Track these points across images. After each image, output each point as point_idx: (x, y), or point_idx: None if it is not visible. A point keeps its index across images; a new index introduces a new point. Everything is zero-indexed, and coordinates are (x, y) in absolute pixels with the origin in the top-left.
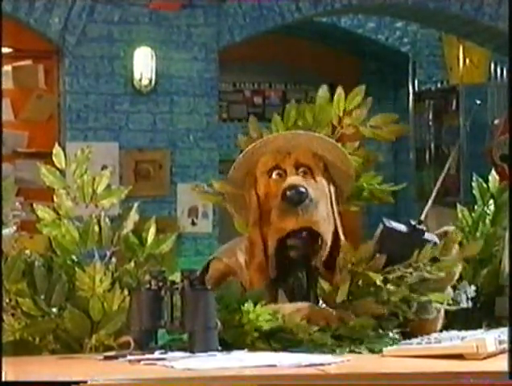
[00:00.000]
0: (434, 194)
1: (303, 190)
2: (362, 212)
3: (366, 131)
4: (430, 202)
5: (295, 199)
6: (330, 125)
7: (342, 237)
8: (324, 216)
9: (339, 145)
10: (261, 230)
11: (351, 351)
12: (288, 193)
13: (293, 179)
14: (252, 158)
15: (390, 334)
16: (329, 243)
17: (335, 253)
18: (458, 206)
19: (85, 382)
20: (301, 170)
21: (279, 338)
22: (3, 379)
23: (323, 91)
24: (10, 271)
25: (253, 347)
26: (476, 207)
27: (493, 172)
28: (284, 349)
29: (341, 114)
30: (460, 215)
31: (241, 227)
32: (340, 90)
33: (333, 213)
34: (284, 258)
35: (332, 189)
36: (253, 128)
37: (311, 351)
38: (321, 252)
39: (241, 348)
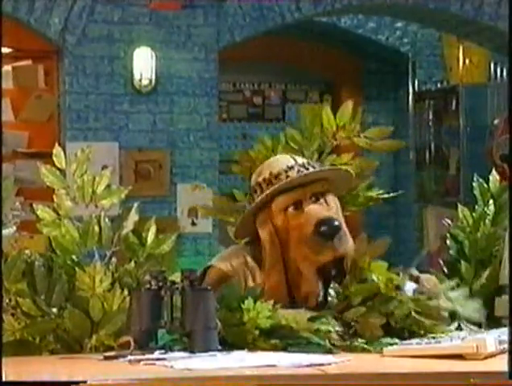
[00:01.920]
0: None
1: (336, 223)
2: (362, 212)
3: (361, 142)
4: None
5: (330, 234)
6: (319, 138)
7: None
8: (350, 239)
9: (349, 169)
10: (279, 257)
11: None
12: (322, 228)
13: (318, 211)
14: (265, 199)
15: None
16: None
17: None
18: (459, 206)
19: (85, 382)
20: (316, 197)
21: (280, 336)
22: (3, 380)
23: (304, 110)
24: (10, 271)
25: (253, 346)
26: (476, 207)
27: (494, 172)
28: (285, 347)
29: (334, 129)
30: (461, 215)
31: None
32: (326, 108)
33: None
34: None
35: (338, 202)
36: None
37: (312, 348)
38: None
39: (241, 347)
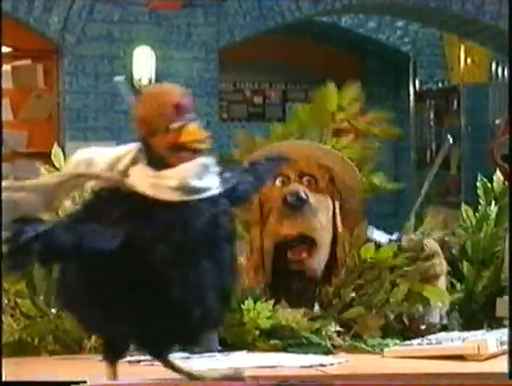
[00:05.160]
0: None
1: (303, 196)
2: (362, 212)
3: (360, 125)
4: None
5: (295, 205)
6: (326, 122)
7: (347, 249)
8: (323, 225)
9: (347, 159)
10: (260, 232)
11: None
12: (289, 198)
13: (295, 186)
14: None
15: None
16: (326, 253)
17: (334, 264)
18: (462, 205)
19: (85, 382)
20: (305, 179)
21: (280, 337)
22: (3, 380)
23: (323, 89)
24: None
25: (254, 347)
26: (479, 207)
27: (498, 172)
28: (285, 347)
29: (335, 110)
30: (464, 214)
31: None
32: (332, 86)
33: (335, 225)
34: (282, 264)
35: (337, 201)
36: (242, 140)
37: (312, 348)
38: (317, 262)
39: (242, 348)
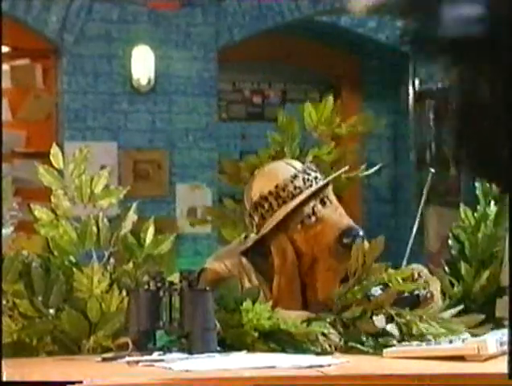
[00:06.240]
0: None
1: (360, 233)
2: (362, 212)
3: (344, 131)
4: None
5: (353, 244)
6: (300, 134)
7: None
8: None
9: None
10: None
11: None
12: (345, 240)
13: (336, 219)
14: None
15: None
16: None
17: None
18: (461, 206)
19: (81, 382)
20: (321, 200)
21: (278, 340)
22: (3, 380)
23: (281, 114)
24: (8, 272)
25: (253, 348)
26: (478, 207)
27: None
28: (283, 350)
29: (316, 124)
30: (463, 215)
31: (229, 235)
32: (309, 106)
33: None
34: None
35: (331, 189)
36: (226, 166)
37: (310, 353)
38: None
39: (241, 349)
